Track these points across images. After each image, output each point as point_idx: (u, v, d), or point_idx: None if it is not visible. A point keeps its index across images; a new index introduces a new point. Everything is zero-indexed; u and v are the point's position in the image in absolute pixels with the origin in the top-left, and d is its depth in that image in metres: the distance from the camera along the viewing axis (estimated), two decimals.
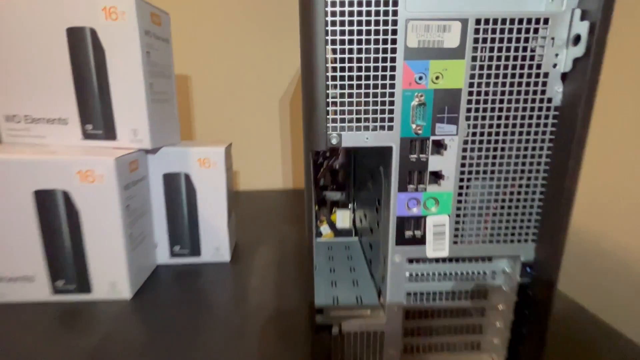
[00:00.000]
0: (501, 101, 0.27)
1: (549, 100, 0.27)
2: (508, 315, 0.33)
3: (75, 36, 0.43)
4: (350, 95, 0.26)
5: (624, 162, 0.55)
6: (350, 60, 0.26)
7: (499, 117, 0.27)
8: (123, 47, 0.44)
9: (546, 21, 0.25)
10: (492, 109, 0.27)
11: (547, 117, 0.27)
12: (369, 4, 0.25)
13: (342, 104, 0.27)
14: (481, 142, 0.28)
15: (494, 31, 0.26)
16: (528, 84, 0.27)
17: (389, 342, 0.33)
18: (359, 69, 0.26)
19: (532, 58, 0.26)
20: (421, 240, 0.30)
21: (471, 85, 0.27)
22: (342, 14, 0.25)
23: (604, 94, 0.54)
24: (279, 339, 0.37)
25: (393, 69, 0.26)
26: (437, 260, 0.32)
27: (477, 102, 0.27)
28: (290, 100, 0.89)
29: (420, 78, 0.26)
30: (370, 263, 0.42)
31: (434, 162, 0.28)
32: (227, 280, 0.49)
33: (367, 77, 0.26)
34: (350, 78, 0.26)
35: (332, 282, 0.40)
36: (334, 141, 0.27)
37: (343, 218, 0.55)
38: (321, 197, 0.57)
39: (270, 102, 0.89)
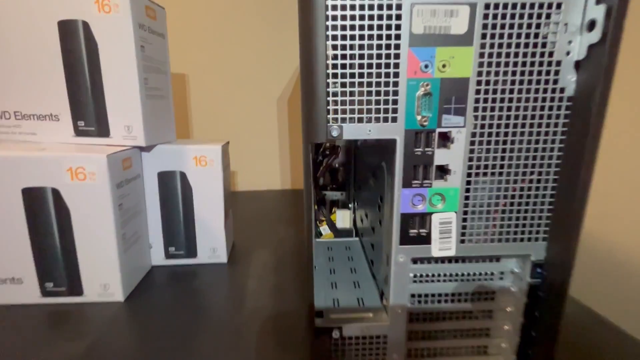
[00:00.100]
0: (511, 91, 0.25)
1: (562, 90, 0.26)
2: (517, 317, 0.31)
3: (67, 29, 0.42)
4: (352, 85, 0.25)
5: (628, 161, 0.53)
6: (352, 47, 0.24)
7: (509, 108, 0.26)
8: (116, 41, 0.42)
9: (559, 5, 0.24)
10: (502, 100, 0.26)
11: (559, 107, 0.26)
12: None
13: (344, 93, 0.25)
14: (490, 134, 0.26)
15: (503, 16, 0.24)
16: (540, 73, 0.25)
17: (392, 346, 0.32)
18: (361, 56, 0.25)
19: (544, 45, 0.25)
20: (426, 239, 0.29)
21: (480, 74, 0.25)
22: None
23: (620, 85, 0.52)
24: (277, 343, 0.36)
25: (397, 56, 0.25)
26: (442, 260, 0.31)
27: (486, 92, 0.25)
28: (289, 99, 0.88)
29: (426, 66, 0.25)
30: (372, 264, 0.40)
31: (440, 156, 0.27)
32: (223, 282, 0.47)
33: (370, 66, 0.25)
34: (352, 66, 0.25)
35: (333, 284, 0.38)
36: (334, 133, 0.25)
37: (343, 218, 0.53)
38: (321, 197, 0.55)
39: (268, 101, 0.88)
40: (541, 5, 0.24)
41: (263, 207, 0.78)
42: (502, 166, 0.27)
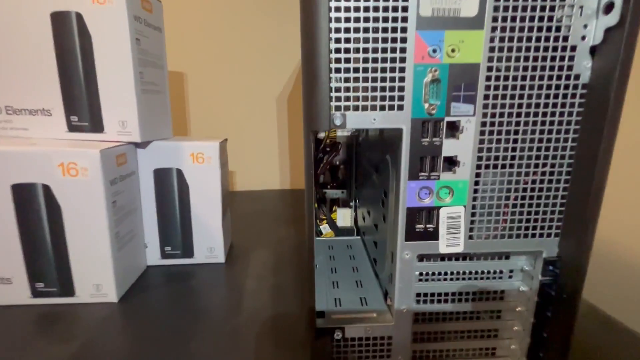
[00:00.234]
0: (523, 78, 0.24)
1: (577, 77, 0.24)
2: (528, 317, 0.30)
3: (60, 21, 0.40)
4: (356, 70, 0.24)
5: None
6: (357, 30, 0.23)
7: (521, 96, 0.25)
8: (111, 33, 0.41)
9: None
10: (514, 87, 0.24)
11: (574, 96, 0.25)
12: None
13: (347, 79, 0.24)
14: (501, 124, 0.25)
15: None
16: (553, 59, 0.24)
17: (396, 348, 0.30)
18: (366, 40, 0.23)
19: (557, 29, 0.24)
20: (433, 235, 0.27)
21: (490, 59, 0.24)
22: None
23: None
24: (276, 345, 0.34)
25: (404, 40, 0.23)
26: (449, 258, 0.29)
27: (497, 78, 0.24)
28: (288, 97, 0.87)
29: (434, 51, 0.23)
30: (375, 263, 0.39)
31: (449, 147, 0.25)
32: (221, 283, 0.46)
33: (375, 50, 0.23)
34: (356, 51, 0.23)
35: (334, 283, 0.37)
36: (337, 122, 0.24)
37: (344, 216, 0.52)
38: (321, 195, 0.54)
39: (267, 99, 0.87)
40: None
41: (262, 207, 0.76)
42: (513, 157, 0.26)
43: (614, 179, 0.54)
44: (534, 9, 0.23)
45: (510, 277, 0.30)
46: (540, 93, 0.24)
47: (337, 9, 0.23)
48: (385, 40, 0.23)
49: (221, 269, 0.50)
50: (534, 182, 0.26)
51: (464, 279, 0.30)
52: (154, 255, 0.50)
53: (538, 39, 0.24)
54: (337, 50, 0.23)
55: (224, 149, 0.52)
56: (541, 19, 0.23)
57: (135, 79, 0.42)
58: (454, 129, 0.25)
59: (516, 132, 0.25)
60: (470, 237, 0.27)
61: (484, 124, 0.25)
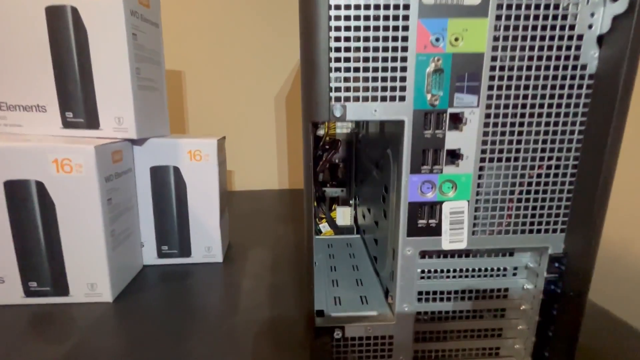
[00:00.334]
0: (529, 68, 0.24)
1: (584, 67, 0.24)
2: (533, 316, 0.29)
3: (55, 15, 0.40)
4: (357, 60, 0.23)
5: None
6: (357, 18, 0.22)
7: (526, 87, 0.24)
8: (107, 28, 0.40)
9: None
10: (519, 77, 0.24)
11: (580, 86, 0.24)
12: None
13: (347, 69, 0.23)
14: (505, 115, 0.24)
15: None
16: (559, 48, 0.23)
17: (398, 348, 0.30)
18: (367, 28, 0.23)
19: (564, 18, 0.23)
20: (436, 230, 0.27)
21: (495, 49, 0.23)
22: None
23: None
24: (274, 345, 0.33)
25: (405, 29, 0.23)
26: (452, 255, 0.29)
27: (502, 68, 0.23)
28: (287, 96, 0.86)
29: (437, 40, 0.23)
30: (376, 261, 0.38)
31: (452, 139, 0.25)
32: (218, 282, 0.45)
33: (376, 39, 0.23)
34: (357, 39, 0.23)
35: (333, 281, 0.36)
36: (337, 113, 0.23)
37: (344, 215, 0.51)
38: (321, 193, 0.53)
39: (266, 99, 0.86)
40: None
41: (260, 206, 0.76)
42: (518, 150, 0.25)
43: (622, 174, 0.54)
44: None
45: (514, 274, 0.29)
46: (546, 84, 0.24)
47: None
48: (386, 28, 0.23)
49: (219, 268, 0.49)
50: (539, 175, 0.26)
51: (467, 276, 0.29)
52: (151, 255, 0.49)
53: (544, 28, 0.23)
54: (337, 39, 0.23)
55: (222, 147, 0.51)
56: (547, 7, 0.23)
57: (131, 75, 0.42)
58: (457, 120, 0.24)
59: (521, 124, 0.24)
60: (474, 233, 0.27)
61: (488, 116, 0.24)
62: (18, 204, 0.37)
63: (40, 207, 0.38)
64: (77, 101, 0.42)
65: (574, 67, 0.24)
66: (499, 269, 0.29)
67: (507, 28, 0.23)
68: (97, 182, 0.38)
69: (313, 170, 0.50)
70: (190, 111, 0.86)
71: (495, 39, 0.23)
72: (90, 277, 0.40)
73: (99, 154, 0.38)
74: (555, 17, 0.23)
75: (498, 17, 0.23)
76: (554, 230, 0.27)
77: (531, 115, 0.24)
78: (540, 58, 0.23)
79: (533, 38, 0.23)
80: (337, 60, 0.23)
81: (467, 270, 0.29)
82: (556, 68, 0.24)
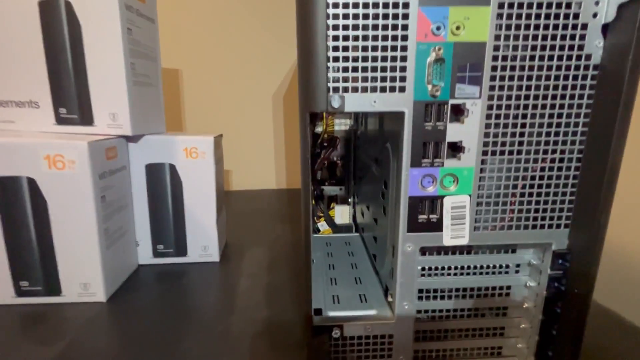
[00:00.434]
0: (532, 58, 0.23)
1: (588, 57, 0.23)
2: (536, 314, 0.28)
3: (48, 10, 0.39)
4: (355, 49, 0.22)
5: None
6: (355, 5, 0.22)
7: (529, 77, 0.23)
8: (101, 22, 0.39)
9: None
10: (522, 68, 0.23)
11: (585, 77, 0.23)
12: None
13: (346, 58, 0.22)
14: (508, 107, 0.24)
15: None
16: (563, 38, 0.23)
17: (398, 347, 0.29)
18: (365, 16, 0.22)
19: (568, 6, 0.22)
20: (437, 226, 0.26)
21: (497, 38, 0.23)
22: None
23: None
24: (271, 344, 0.33)
25: (405, 17, 0.22)
26: (453, 251, 0.28)
27: (504, 58, 0.23)
28: (284, 95, 0.85)
29: (438, 28, 0.22)
30: (375, 258, 0.37)
31: (453, 132, 0.24)
32: (215, 282, 0.44)
33: (375, 27, 0.22)
34: (355, 27, 0.22)
35: (332, 280, 0.35)
36: (335, 104, 0.23)
37: (342, 213, 0.50)
38: (319, 192, 0.52)
39: (263, 98, 0.85)
40: None
41: (258, 206, 0.75)
42: (521, 143, 0.24)
43: (627, 170, 0.53)
44: None
45: (517, 271, 0.29)
46: (550, 74, 0.23)
47: None
48: (386, 16, 0.22)
49: (215, 268, 0.48)
50: (542, 169, 0.25)
51: (468, 273, 0.29)
52: (146, 254, 0.48)
53: (547, 17, 0.22)
54: (335, 27, 0.22)
55: (219, 144, 0.50)
56: None
57: (126, 70, 0.41)
58: (458, 112, 0.24)
59: (524, 116, 0.24)
60: (476, 229, 0.26)
61: (490, 107, 0.24)
62: (9, 201, 0.37)
63: (32, 204, 0.37)
64: (70, 97, 0.41)
65: (578, 57, 0.23)
66: (501, 266, 0.29)
67: (509, 16, 0.22)
68: (91, 179, 0.37)
69: (311, 168, 0.49)
70: (187, 110, 0.85)
71: (498, 27, 0.22)
72: (83, 277, 0.39)
73: (92, 150, 0.37)
74: (559, 6, 0.22)
75: (500, 5, 0.22)
76: (558, 226, 0.26)
77: (534, 106, 0.24)
78: (543, 48, 0.23)
79: (536, 27, 0.22)
80: (335, 49, 0.22)
81: (468, 267, 0.29)
82: (560, 58, 0.23)
